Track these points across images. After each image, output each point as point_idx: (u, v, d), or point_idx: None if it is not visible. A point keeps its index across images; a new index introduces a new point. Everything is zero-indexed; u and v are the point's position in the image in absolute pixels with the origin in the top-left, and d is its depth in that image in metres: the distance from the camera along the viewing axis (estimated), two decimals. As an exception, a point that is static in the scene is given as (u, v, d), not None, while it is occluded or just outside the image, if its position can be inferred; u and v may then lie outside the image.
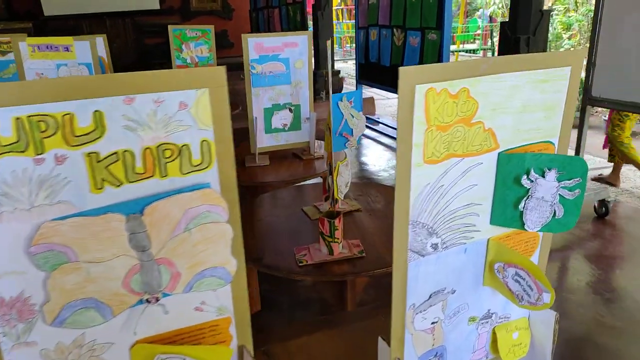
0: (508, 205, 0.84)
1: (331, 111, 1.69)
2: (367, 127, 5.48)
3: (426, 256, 0.82)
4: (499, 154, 0.83)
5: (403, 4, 4.48)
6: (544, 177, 0.80)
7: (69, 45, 2.51)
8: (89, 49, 2.56)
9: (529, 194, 0.82)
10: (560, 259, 2.50)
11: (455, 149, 0.78)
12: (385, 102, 8.18)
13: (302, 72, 2.71)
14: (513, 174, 0.82)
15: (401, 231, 0.77)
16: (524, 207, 0.83)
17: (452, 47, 13.60)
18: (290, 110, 2.75)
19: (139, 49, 10.08)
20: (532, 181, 0.81)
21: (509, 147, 0.83)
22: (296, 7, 6.69)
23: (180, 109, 0.68)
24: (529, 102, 0.82)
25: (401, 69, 0.68)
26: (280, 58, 2.63)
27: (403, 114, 0.70)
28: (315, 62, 6.51)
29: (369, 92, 6.24)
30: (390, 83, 5.02)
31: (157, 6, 9.49)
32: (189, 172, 0.71)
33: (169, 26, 4.31)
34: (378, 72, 5.19)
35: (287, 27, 7.21)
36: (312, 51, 2.70)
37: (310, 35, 2.66)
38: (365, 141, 5.27)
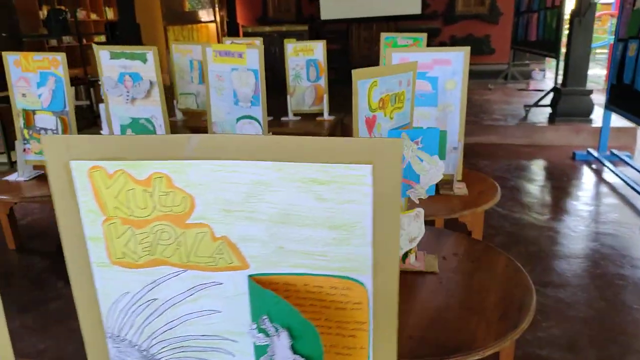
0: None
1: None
2: (605, 167, 4.33)
3: (148, 384, 0.60)
4: (248, 277, 0.54)
5: (674, 11, 3.32)
6: (278, 336, 0.48)
7: (242, 52, 2.79)
8: (258, 57, 2.77)
9: (269, 353, 0.51)
10: None
11: (167, 254, 0.54)
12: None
13: (453, 94, 2.33)
14: (260, 313, 0.52)
15: (93, 344, 0.59)
16: (266, 371, 0.52)
17: None
18: (434, 135, 2.41)
19: (398, 51, 10.43)
20: (268, 335, 0.50)
21: (270, 271, 0.53)
22: (554, 12, 5.75)
23: None
24: (296, 210, 0.50)
25: (46, 138, 0.51)
26: (427, 77, 2.32)
27: (57, 196, 0.53)
28: (563, 77, 5.50)
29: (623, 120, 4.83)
30: (644, 114, 3.83)
31: (419, 11, 9.61)
32: None
33: (381, 33, 4.31)
34: (631, 97, 4.02)
35: (542, 33, 6.28)
36: (467, 71, 2.29)
37: (467, 52, 2.25)
38: (593, 182, 4.18)
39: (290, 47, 4.62)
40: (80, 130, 3.48)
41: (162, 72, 4.57)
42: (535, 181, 4.28)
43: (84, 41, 7.44)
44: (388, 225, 0.48)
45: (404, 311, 1.41)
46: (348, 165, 0.47)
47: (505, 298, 1.45)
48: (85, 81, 6.42)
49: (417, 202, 1.53)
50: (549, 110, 5.69)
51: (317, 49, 4.61)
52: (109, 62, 2.76)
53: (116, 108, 2.88)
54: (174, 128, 4.42)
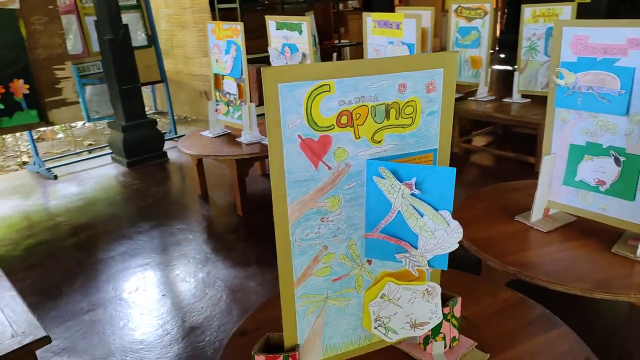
0: None
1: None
2: None
3: None
4: None
5: None
6: None
7: (399, 23, 2.32)
8: (415, 28, 2.26)
9: None
10: None
11: None
12: None
13: (660, 99, 1.40)
14: None
15: None
16: None
17: None
18: (618, 161, 1.53)
19: None
20: None
21: None
22: None
23: None
24: None
25: None
26: (616, 67, 1.46)
27: None
28: None
29: None
30: None
31: None
32: None
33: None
34: None
35: None
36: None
37: (696, 29, 1.29)
38: None
39: (529, 11, 3.69)
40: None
41: (435, 36, 4.21)
42: None
43: (340, 7, 7.85)
44: None
45: None
46: None
47: None
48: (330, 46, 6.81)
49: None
50: None
51: (564, 13, 3.55)
52: (275, 33, 2.73)
53: (280, 79, 2.85)
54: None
